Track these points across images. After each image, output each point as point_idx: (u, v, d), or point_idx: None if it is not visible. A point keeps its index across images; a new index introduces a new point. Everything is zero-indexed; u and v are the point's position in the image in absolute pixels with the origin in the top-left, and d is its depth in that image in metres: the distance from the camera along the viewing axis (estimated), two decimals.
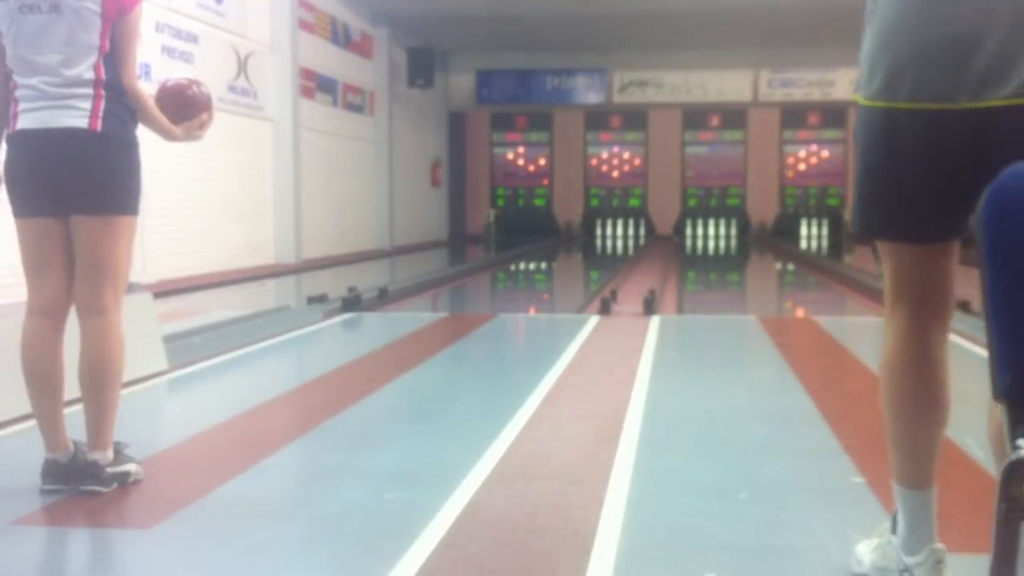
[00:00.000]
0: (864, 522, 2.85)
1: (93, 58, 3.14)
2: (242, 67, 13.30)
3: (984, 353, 1.65)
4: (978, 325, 6.27)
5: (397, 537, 2.73)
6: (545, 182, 24.43)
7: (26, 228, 3.21)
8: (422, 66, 20.10)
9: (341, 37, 17.00)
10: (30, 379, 3.22)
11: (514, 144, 24.50)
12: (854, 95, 2.13)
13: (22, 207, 3.21)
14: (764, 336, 6.98)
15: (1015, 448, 1.49)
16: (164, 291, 9.05)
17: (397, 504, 3.08)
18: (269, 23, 14.19)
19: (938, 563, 2.19)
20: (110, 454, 3.22)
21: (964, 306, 7.59)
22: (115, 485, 3.19)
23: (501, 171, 24.55)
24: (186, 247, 11.73)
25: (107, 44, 3.15)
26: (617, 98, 23.76)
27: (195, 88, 3.46)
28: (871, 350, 5.54)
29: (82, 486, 3.16)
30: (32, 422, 3.67)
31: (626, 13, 18.40)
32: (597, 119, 24.04)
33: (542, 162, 24.41)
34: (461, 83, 23.73)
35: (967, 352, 5.78)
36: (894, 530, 2.30)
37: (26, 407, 3.74)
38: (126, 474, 3.23)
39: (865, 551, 2.42)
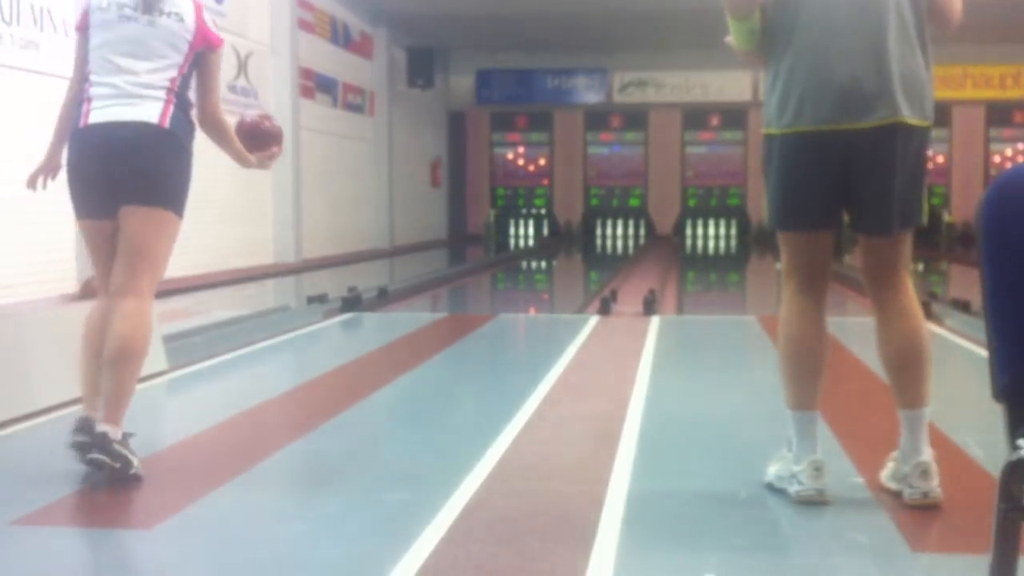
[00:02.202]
0: (864, 522, 2.85)
1: (173, 73, 3.43)
2: (242, 67, 13.29)
3: (984, 353, 1.65)
4: (978, 325, 6.26)
5: (397, 537, 2.73)
6: (545, 182, 24.40)
7: (88, 228, 3.50)
8: (422, 66, 20.07)
9: (341, 37, 16.98)
10: (87, 350, 3.41)
11: (514, 144, 24.44)
12: (767, 129, 3.02)
13: (83, 207, 3.45)
14: (764, 336, 6.97)
15: (1015, 448, 1.49)
16: (164, 291, 9.03)
17: (397, 504, 3.08)
18: (269, 23, 14.17)
19: (816, 470, 2.96)
20: (119, 432, 3.26)
21: (964, 306, 7.59)
22: (119, 465, 3.19)
23: (501, 171, 24.50)
24: (186, 247, 11.63)
25: (187, 66, 3.46)
26: (617, 98, 23.73)
27: (268, 123, 3.86)
28: (871, 350, 5.53)
29: (89, 455, 3.19)
30: (32, 421, 3.69)
31: (626, 13, 18.37)
32: (597, 119, 24.00)
33: (542, 162, 24.36)
34: (461, 83, 23.71)
35: (967, 352, 5.79)
36: (789, 449, 3.06)
37: (26, 407, 3.78)
38: (129, 461, 3.24)
39: (771, 468, 3.14)
